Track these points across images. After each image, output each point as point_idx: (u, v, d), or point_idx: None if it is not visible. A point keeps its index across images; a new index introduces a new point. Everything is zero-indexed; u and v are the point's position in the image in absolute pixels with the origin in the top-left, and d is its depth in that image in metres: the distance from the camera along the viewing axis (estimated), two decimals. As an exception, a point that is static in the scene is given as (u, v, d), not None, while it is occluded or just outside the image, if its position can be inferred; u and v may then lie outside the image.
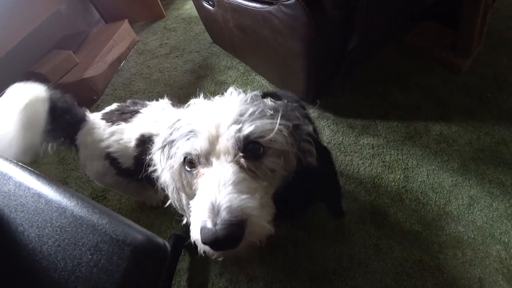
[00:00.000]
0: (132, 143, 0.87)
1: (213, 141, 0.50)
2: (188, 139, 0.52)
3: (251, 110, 0.52)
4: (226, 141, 0.49)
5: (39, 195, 0.38)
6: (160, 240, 0.38)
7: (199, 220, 0.42)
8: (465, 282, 1.05)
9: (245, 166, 0.49)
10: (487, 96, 1.50)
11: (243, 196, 0.43)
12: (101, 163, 0.94)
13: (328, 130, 1.48)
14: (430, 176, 1.28)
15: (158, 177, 0.69)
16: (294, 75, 1.29)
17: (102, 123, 0.93)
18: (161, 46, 2.23)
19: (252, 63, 1.71)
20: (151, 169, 0.70)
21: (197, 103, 0.64)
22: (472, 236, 1.13)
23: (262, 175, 0.51)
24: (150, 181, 0.73)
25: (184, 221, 0.73)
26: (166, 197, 1.39)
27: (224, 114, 0.52)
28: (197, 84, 1.86)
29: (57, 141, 0.98)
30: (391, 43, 1.74)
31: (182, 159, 0.54)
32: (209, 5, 1.52)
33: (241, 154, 0.49)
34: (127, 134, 0.89)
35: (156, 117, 0.89)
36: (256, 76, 1.80)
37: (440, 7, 1.63)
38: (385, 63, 1.69)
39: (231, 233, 0.39)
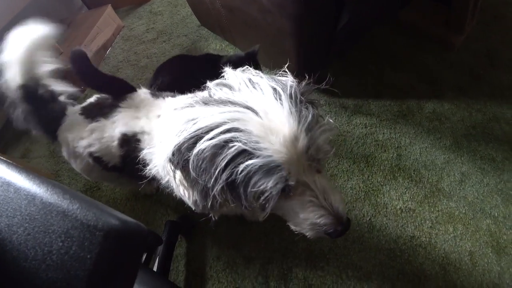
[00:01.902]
0: (115, 143, 0.82)
1: (297, 164, 0.48)
2: (269, 173, 0.46)
3: (306, 116, 0.49)
4: (308, 161, 0.50)
5: (8, 184, 0.37)
6: (136, 223, 0.36)
7: (327, 229, 0.54)
8: (456, 255, 1.07)
9: (319, 169, 0.55)
10: (479, 73, 1.50)
11: (338, 196, 0.55)
12: (85, 161, 0.90)
13: (321, 110, 1.45)
14: (423, 153, 1.29)
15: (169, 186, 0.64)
16: (285, 55, 1.26)
17: (81, 119, 0.87)
18: (147, 31, 2.16)
19: (241, 45, 1.67)
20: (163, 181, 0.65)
21: (216, 110, 0.49)
22: (464, 211, 1.15)
23: (322, 168, 0.57)
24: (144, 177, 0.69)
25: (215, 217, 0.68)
26: (160, 186, 1.40)
27: (292, 132, 0.46)
28: (187, 69, 1.82)
29: (35, 130, 0.93)
30: (383, 21, 1.70)
31: (276, 194, 0.48)
32: (195, -15, 1.46)
33: (316, 164, 0.53)
34: (108, 131, 0.83)
35: (136, 113, 0.83)
36: (246, 59, 1.76)
37: (432, -18, 1.60)
38: (377, 42, 1.67)
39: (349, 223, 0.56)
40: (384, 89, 1.49)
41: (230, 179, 0.47)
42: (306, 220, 0.54)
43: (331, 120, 0.54)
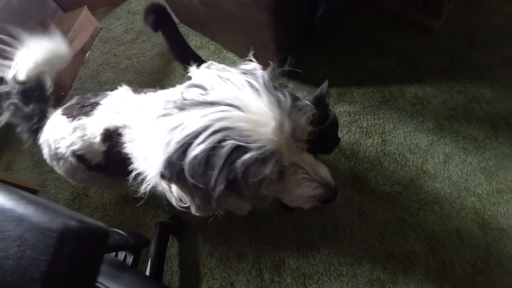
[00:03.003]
0: (98, 138, 0.81)
1: (286, 147, 0.51)
2: (261, 161, 0.47)
3: (285, 102, 0.51)
4: (296, 143, 0.53)
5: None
6: (94, 223, 0.36)
7: (321, 198, 0.58)
8: (444, 234, 1.10)
9: (302, 147, 0.58)
10: (459, 55, 1.52)
11: (324, 167, 0.59)
12: (68, 162, 0.89)
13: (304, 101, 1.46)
14: (407, 137, 1.30)
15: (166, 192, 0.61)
16: (264, 48, 1.25)
17: (63, 119, 0.87)
18: (126, 32, 2.12)
19: (221, 39, 1.65)
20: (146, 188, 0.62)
21: (197, 111, 0.49)
22: (449, 191, 1.18)
23: (304, 145, 0.60)
24: (127, 176, 0.69)
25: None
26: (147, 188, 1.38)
27: (276, 119, 0.47)
28: (168, 68, 1.79)
29: (20, 127, 0.95)
30: (362, 10, 1.71)
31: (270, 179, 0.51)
32: (171, -19, 1.43)
33: (303, 143, 0.57)
34: (90, 129, 0.83)
35: (118, 108, 0.82)
36: (227, 53, 1.75)
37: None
38: (358, 30, 1.67)
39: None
40: (366, 76, 1.50)
41: (230, 176, 0.47)
42: (302, 195, 0.59)
43: (306, 102, 0.56)
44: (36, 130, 0.91)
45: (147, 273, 1.05)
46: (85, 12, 2.05)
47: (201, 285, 1.12)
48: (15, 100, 0.92)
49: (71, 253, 0.32)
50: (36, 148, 0.95)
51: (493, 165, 1.21)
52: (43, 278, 0.30)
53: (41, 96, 0.95)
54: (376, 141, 1.31)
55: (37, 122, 0.91)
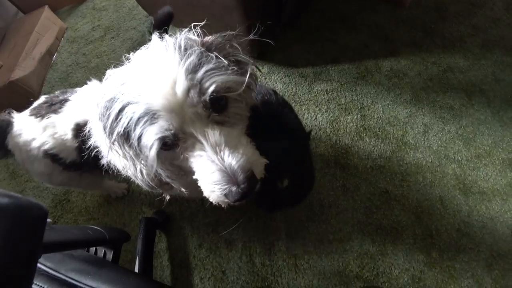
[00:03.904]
0: (69, 135, 0.79)
1: (179, 112, 0.45)
2: (149, 121, 0.45)
3: (195, 60, 0.46)
4: (194, 108, 0.46)
5: None
6: (29, 200, 0.33)
7: (220, 189, 0.46)
8: (428, 203, 1.12)
9: (220, 120, 0.49)
10: (431, 27, 1.53)
11: (241, 150, 0.48)
12: (42, 163, 0.86)
13: (281, 83, 1.45)
14: (386, 111, 1.31)
15: (112, 165, 0.61)
16: (234, 31, 1.22)
17: (31, 120, 0.84)
18: (93, 30, 2.04)
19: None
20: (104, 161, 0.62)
21: (120, 72, 0.51)
22: (430, 160, 1.19)
23: (234, 120, 0.52)
24: (104, 169, 0.67)
25: (167, 198, 0.69)
26: (130, 185, 1.34)
27: (171, 77, 0.44)
28: (141, 62, 1.73)
29: None
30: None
31: (157, 147, 0.46)
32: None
33: (214, 114, 0.48)
34: (60, 126, 0.81)
35: (87, 102, 0.80)
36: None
37: None
38: (328, 7, 1.66)
39: (252, 184, 0.46)
40: (341, 53, 1.50)
41: (121, 132, 0.47)
42: (201, 179, 0.50)
43: (256, 68, 0.53)
44: (2, 138, 0.86)
45: (136, 270, 1.02)
46: (46, 12, 1.95)
47: (193, 276, 1.11)
48: None
49: (3, 230, 0.29)
50: (9, 159, 0.90)
51: (471, 131, 1.24)
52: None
53: None
54: (355, 116, 1.31)
55: (4, 130, 0.86)
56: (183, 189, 0.59)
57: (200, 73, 0.45)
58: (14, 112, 0.91)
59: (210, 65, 0.46)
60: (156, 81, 0.44)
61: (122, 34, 1.92)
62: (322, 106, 1.35)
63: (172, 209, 1.23)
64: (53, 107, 0.84)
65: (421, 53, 1.45)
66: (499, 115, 1.26)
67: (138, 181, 0.57)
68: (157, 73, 0.45)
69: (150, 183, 0.57)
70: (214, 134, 0.47)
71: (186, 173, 0.55)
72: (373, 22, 1.56)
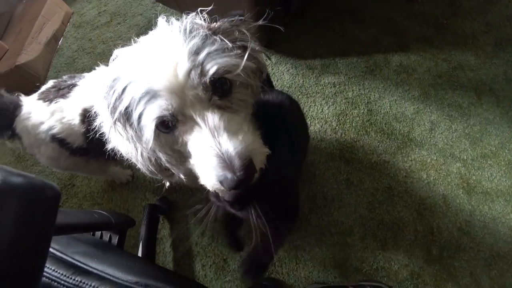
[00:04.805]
0: (77, 120, 0.80)
1: (180, 93, 0.45)
2: (149, 101, 0.45)
3: (199, 43, 0.46)
4: (195, 90, 0.45)
5: None
6: (42, 180, 0.33)
7: (216, 175, 0.44)
8: (431, 200, 1.12)
9: (222, 105, 0.48)
10: (443, 23, 1.51)
11: (240, 137, 0.46)
12: (50, 147, 0.86)
13: (288, 74, 1.44)
14: (393, 106, 1.30)
15: (116, 150, 0.62)
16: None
17: (40, 104, 0.85)
18: (99, 15, 2.01)
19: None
20: (109, 145, 0.63)
21: (126, 52, 0.51)
22: (435, 158, 1.19)
23: (237, 107, 0.50)
24: (109, 155, 0.68)
25: (167, 184, 0.69)
26: (135, 172, 1.35)
27: (174, 59, 0.44)
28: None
29: None
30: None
31: (154, 126, 0.46)
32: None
33: (215, 97, 0.47)
34: (68, 111, 0.81)
35: (95, 87, 0.80)
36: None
37: None
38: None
39: (249, 173, 0.44)
40: (350, 46, 1.48)
41: (126, 109, 0.47)
42: (196, 163, 0.49)
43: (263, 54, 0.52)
44: (11, 121, 0.87)
45: (139, 255, 1.04)
46: (52, -4, 1.92)
47: (194, 263, 1.12)
48: None
49: (16, 210, 0.29)
50: (15, 143, 0.91)
51: (478, 131, 1.23)
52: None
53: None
54: (362, 111, 1.30)
55: (12, 113, 0.86)
56: (182, 176, 0.59)
57: (202, 55, 0.44)
58: (23, 95, 0.91)
59: (214, 47, 0.46)
60: (159, 62, 0.45)
61: (128, 20, 1.89)
62: (329, 99, 1.34)
63: (176, 197, 1.24)
64: (61, 91, 0.85)
65: (431, 49, 1.43)
66: (508, 115, 1.24)
67: (139, 165, 0.57)
68: (160, 54, 0.45)
69: (150, 167, 0.56)
70: (213, 118, 0.46)
71: (185, 160, 0.54)
72: (384, 16, 1.53)
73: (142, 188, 1.31)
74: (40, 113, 0.83)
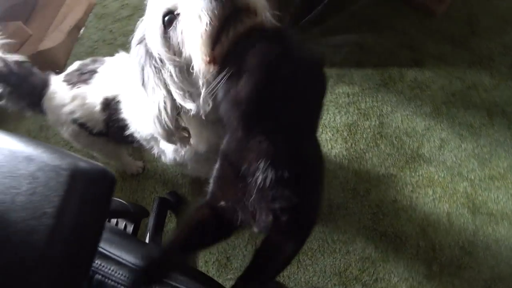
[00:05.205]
0: (98, 107, 0.82)
1: None
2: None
3: None
4: None
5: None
6: (102, 167, 0.37)
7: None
8: (435, 217, 1.12)
9: None
10: (460, 40, 1.51)
11: None
12: (70, 128, 0.90)
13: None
14: (404, 121, 1.31)
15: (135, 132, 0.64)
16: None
17: (63, 86, 0.87)
18: (122, 8, 2.04)
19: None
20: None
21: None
22: (442, 175, 1.20)
23: None
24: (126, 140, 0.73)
25: (183, 151, 0.67)
26: (146, 164, 1.37)
27: None
28: (167, 44, 1.75)
29: (20, 107, 0.93)
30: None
31: (161, 20, 0.47)
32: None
33: None
34: (89, 98, 0.83)
35: (115, 75, 0.82)
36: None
37: None
38: (358, 9, 1.63)
39: None
40: (366, 57, 1.49)
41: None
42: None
43: None
44: (40, 99, 0.90)
45: (145, 246, 1.06)
46: (78, -15, 1.97)
47: (198, 259, 1.14)
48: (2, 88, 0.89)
49: (82, 192, 0.34)
50: (39, 116, 0.96)
51: (487, 152, 1.23)
52: (56, 213, 0.32)
53: (27, 68, 0.93)
54: (373, 123, 1.32)
55: (41, 91, 0.90)
56: (194, 142, 0.61)
57: None
58: (53, 74, 0.95)
59: None
60: None
61: (150, 14, 1.92)
62: (341, 108, 1.36)
63: (185, 192, 1.26)
64: (83, 76, 0.86)
65: (446, 67, 1.44)
66: (518, 139, 1.25)
67: (157, 125, 0.55)
68: None
69: (167, 121, 0.54)
70: None
71: (197, 90, 0.51)
72: (402, 30, 1.55)
73: (152, 181, 1.34)
74: (63, 95, 0.86)
